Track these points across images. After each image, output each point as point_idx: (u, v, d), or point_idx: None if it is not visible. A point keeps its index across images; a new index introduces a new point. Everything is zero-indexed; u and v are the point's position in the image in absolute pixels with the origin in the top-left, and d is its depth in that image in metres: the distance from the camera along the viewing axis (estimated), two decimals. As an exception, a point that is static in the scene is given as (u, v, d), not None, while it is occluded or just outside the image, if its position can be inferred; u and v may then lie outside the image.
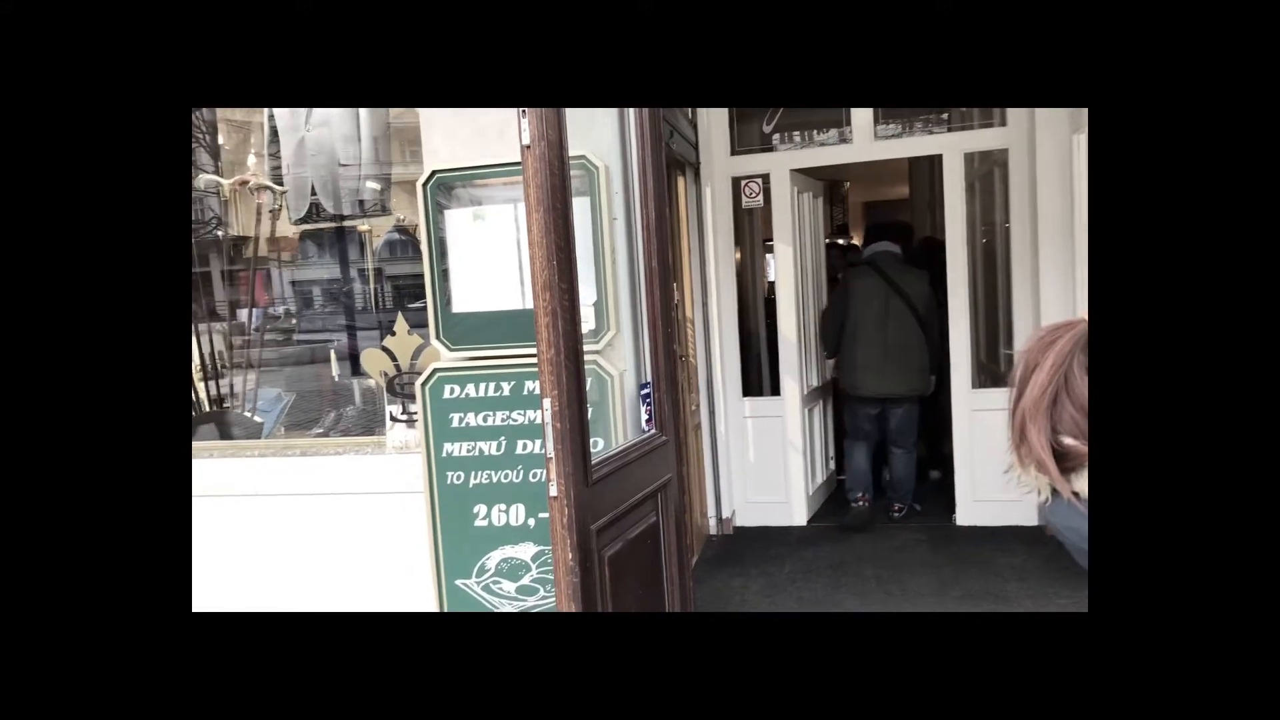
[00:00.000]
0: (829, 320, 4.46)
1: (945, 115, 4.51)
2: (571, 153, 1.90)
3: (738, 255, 5.01)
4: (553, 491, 1.77)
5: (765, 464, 4.58)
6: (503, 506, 2.38)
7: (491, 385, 2.37)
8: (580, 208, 2.22)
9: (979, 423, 4.36)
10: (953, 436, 4.41)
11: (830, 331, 4.44)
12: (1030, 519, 4.27)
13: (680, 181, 4.19)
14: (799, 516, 4.57)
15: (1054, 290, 4.03)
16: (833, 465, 5.08)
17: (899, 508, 4.48)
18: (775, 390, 4.64)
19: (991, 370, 4.73)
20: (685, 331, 4.22)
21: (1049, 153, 3.99)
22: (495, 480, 2.38)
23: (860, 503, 4.40)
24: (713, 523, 4.49)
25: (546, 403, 1.76)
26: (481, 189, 2.38)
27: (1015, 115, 4.14)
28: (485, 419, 2.38)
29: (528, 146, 1.74)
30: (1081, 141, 3.82)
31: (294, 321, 3.85)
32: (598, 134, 2.26)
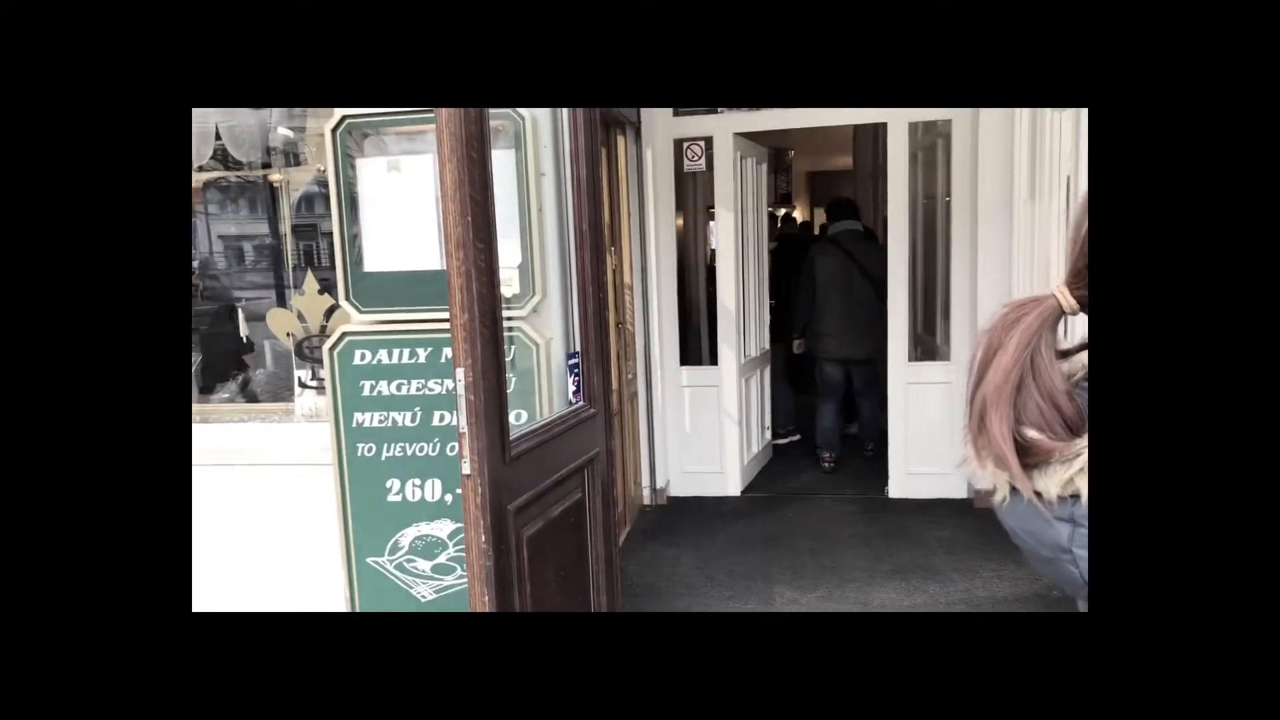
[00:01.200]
0: (802, 297, 4.74)
1: (891, 84, 4.43)
2: (494, 100, 1.73)
3: (680, 221, 4.88)
4: (465, 469, 1.64)
5: (701, 434, 4.51)
6: (417, 481, 2.23)
7: (406, 351, 2.20)
8: (504, 161, 2.05)
9: (914, 395, 4.36)
10: (888, 408, 4.41)
11: (802, 307, 4.75)
12: (960, 492, 4.31)
13: (620, 141, 4.02)
14: (733, 487, 4.52)
15: (992, 264, 4.01)
16: (769, 434, 5.05)
17: (871, 447, 4.95)
18: (713, 360, 4.56)
19: (927, 343, 4.74)
20: (624, 298, 4.09)
21: (991, 126, 3.95)
22: (409, 453, 2.23)
23: (828, 464, 4.82)
24: (647, 493, 4.42)
25: (460, 372, 1.62)
26: (398, 138, 2.19)
27: (961, 85, 4.08)
28: (399, 388, 2.21)
29: (442, 89, 1.57)
30: (1024, 116, 3.79)
31: (196, 277, 3.59)
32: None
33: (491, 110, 1.78)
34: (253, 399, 2.87)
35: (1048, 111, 3.50)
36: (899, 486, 4.39)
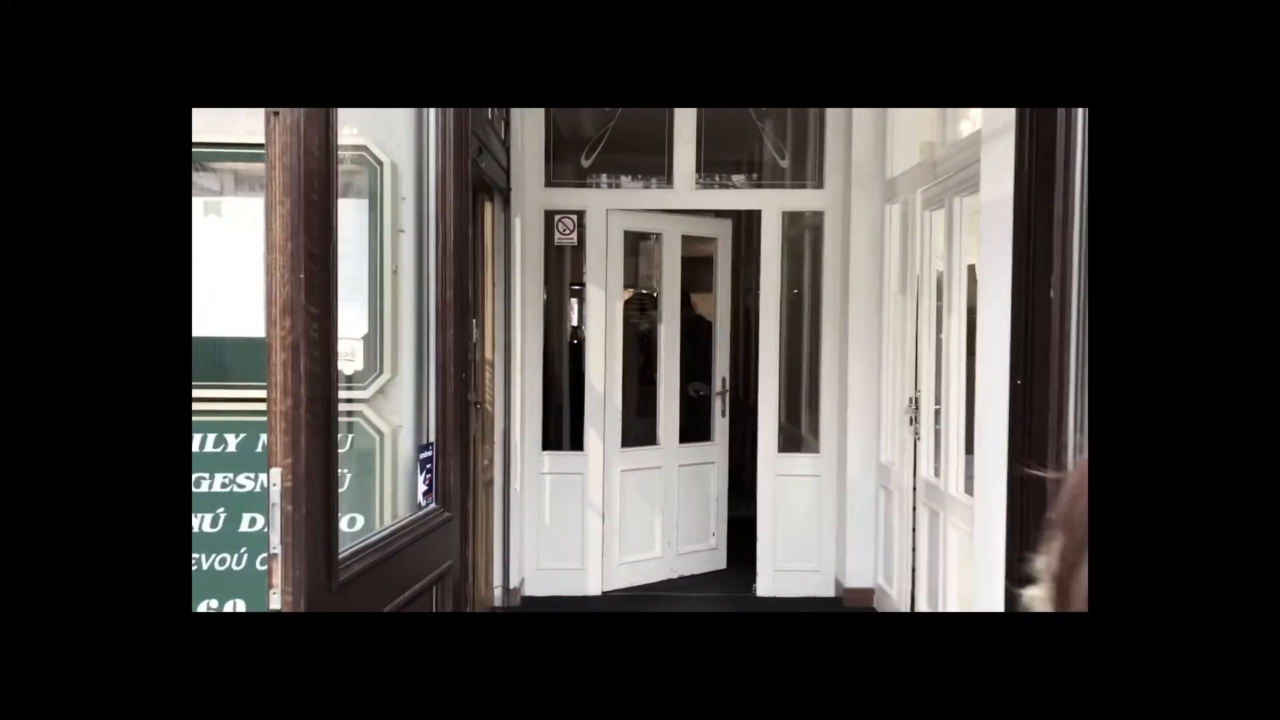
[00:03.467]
0: None
1: (755, 175, 4.45)
2: (350, 141, 1.41)
3: (544, 296, 4.62)
4: (275, 602, 1.24)
5: (562, 526, 4.15)
6: (214, 603, 1.76)
7: (211, 437, 1.76)
8: (355, 212, 1.71)
9: (782, 488, 4.22)
10: (756, 501, 4.24)
11: None
12: (828, 590, 4.16)
13: (488, 207, 3.74)
14: (594, 585, 4.17)
15: (861, 356, 4.00)
16: (715, 540, 4.48)
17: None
18: (577, 445, 4.26)
19: (791, 433, 4.66)
20: (483, 376, 3.74)
21: (862, 220, 3.99)
22: (207, 567, 1.76)
23: None
24: (499, 593, 3.97)
25: (275, 474, 1.23)
26: (221, 174, 1.81)
27: (833, 179, 4.12)
28: (199, 483, 1.76)
29: (276, 113, 1.24)
30: (894, 212, 3.85)
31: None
32: (387, 124, 1.78)
33: (343, 153, 1.46)
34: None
35: (918, 208, 3.56)
36: (767, 584, 4.19)
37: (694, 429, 4.56)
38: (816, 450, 4.24)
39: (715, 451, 4.51)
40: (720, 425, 4.50)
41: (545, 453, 4.15)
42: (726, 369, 4.50)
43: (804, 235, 4.61)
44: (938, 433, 3.42)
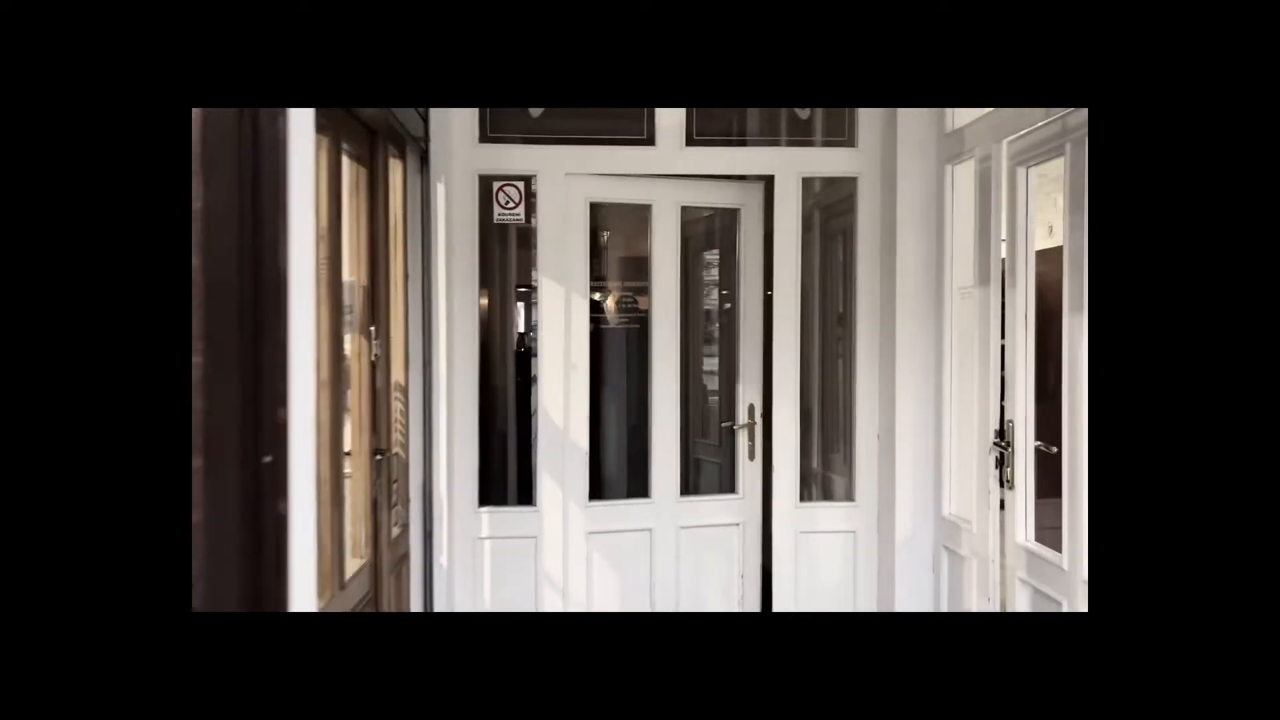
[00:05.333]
0: None
1: (765, 130, 3.40)
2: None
3: (484, 300, 3.48)
4: None
5: (509, 609, 3.02)
6: None
7: None
8: None
9: (806, 547, 3.16)
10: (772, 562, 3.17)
11: None
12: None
13: (395, 166, 2.61)
14: (555, 689, 3.03)
15: (913, 370, 2.96)
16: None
17: None
18: (528, 498, 3.13)
19: (819, 476, 3.60)
20: (392, 407, 2.59)
21: (912, 187, 2.96)
22: None
23: None
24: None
25: None
26: None
27: (869, 133, 3.09)
28: None
29: None
30: (963, 173, 2.84)
31: None
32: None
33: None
34: None
35: (1003, 164, 2.55)
36: (788, 679, 3.11)
37: (704, 478, 3.42)
38: (851, 498, 3.19)
39: (740, 508, 3.27)
40: (748, 472, 3.28)
41: (483, 510, 3.01)
42: (757, 393, 3.36)
43: (813, 215, 3.58)
44: (1046, 480, 2.41)
